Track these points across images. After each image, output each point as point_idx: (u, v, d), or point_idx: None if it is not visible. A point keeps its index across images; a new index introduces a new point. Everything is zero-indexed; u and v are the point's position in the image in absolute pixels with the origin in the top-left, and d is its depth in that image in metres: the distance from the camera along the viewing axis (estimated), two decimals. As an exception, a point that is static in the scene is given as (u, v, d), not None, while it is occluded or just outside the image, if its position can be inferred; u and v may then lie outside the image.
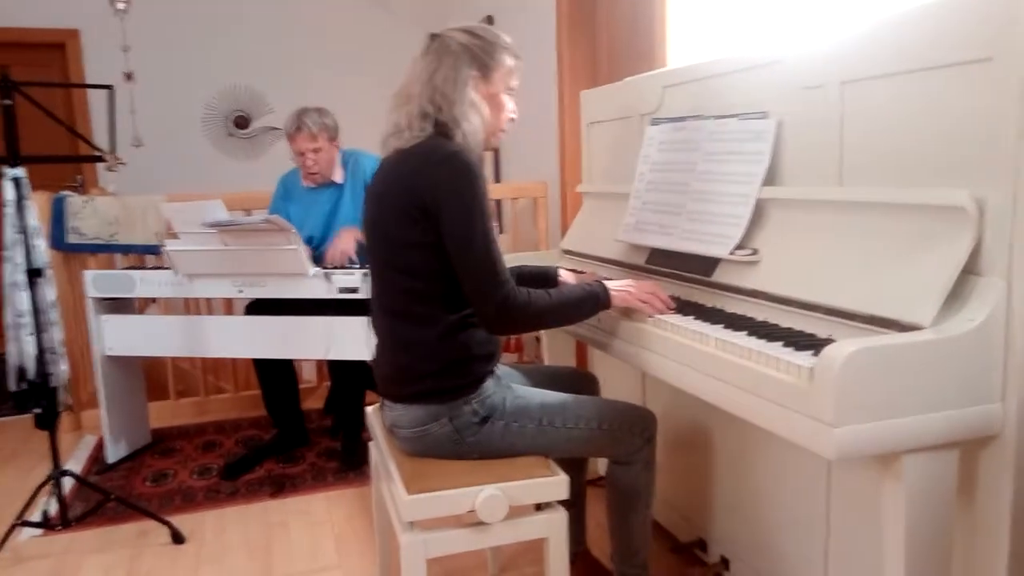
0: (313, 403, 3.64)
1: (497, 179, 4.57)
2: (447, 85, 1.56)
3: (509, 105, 1.68)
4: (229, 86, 5.41)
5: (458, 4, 4.79)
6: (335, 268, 2.73)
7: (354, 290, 2.65)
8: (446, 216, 1.49)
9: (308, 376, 3.92)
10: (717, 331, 1.47)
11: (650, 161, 2.01)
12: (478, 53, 1.60)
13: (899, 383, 1.14)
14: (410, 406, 1.59)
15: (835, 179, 1.51)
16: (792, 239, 1.57)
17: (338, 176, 3.04)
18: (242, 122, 5.48)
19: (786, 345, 1.33)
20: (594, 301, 1.62)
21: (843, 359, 1.11)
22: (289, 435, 3.07)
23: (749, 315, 1.57)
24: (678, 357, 1.52)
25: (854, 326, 1.34)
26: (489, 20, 4.29)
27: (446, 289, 1.55)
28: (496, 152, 4.55)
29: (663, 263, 1.88)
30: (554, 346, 2.45)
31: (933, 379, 1.16)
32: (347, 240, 2.84)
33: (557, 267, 1.93)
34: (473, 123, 1.57)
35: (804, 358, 1.25)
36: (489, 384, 1.60)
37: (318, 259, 2.96)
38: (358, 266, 2.75)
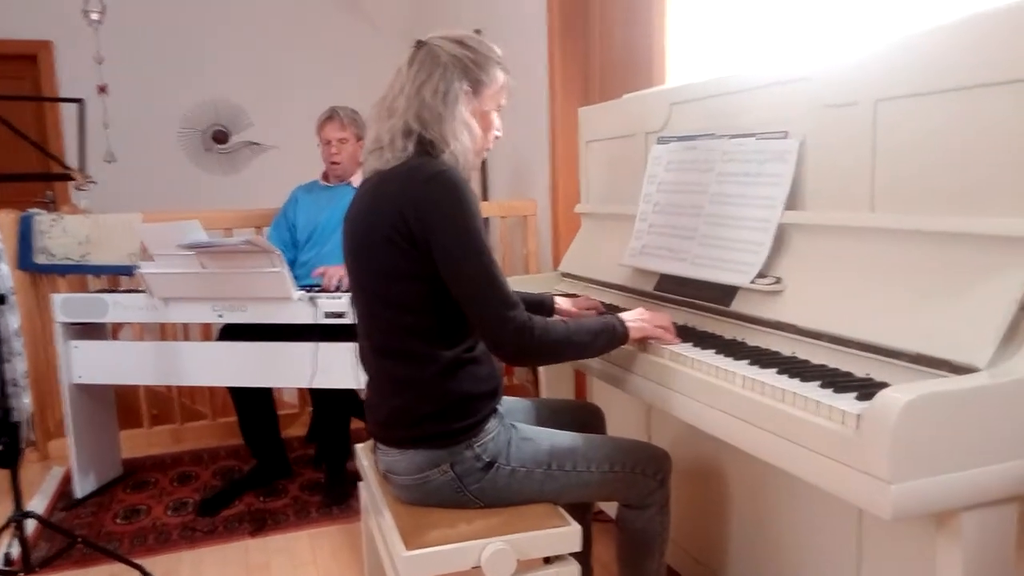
0: (296, 430, 3.48)
1: (485, 196, 4.45)
2: (436, 100, 1.43)
3: (496, 123, 1.56)
4: (207, 100, 5.25)
5: (445, 19, 4.69)
6: (322, 290, 2.60)
7: (341, 315, 2.51)
8: (437, 242, 1.36)
9: (289, 401, 3.76)
10: (743, 367, 1.36)
11: (657, 181, 1.90)
12: (470, 66, 1.47)
13: (961, 432, 1.03)
14: (407, 451, 1.45)
15: (866, 204, 1.40)
16: (818, 268, 1.46)
17: (356, 181, 3.00)
18: (221, 137, 5.32)
19: (824, 386, 1.22)
20: (611, 333, 1.50)
21: (901, 408, 0.99)
22: (269, 467, 2.91)
23: (774, 349, 1.46)
24: (699, 395, 1.40)
25: (894, 364, 1.24)
26: (478, 35, 4.18)
27: (442, 323, 1.42)
28: (483, 168, 4.43)
29: (674, 290, 1.77)
30: (552, 376, 2.33)
31: (997, 426, 1.05)
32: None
33: (552, 295, 1.81)
34: (463, 142, 1.44)
35: (848, 402, 1.14)
36: (492, 424, 1.47)
37: (307, 265, 2.87)
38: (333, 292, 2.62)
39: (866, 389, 1.17)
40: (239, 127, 5.34)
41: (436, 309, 1.42)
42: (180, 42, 5.17)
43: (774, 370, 1.33)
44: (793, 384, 1.25)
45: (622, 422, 2.26)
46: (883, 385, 1.20)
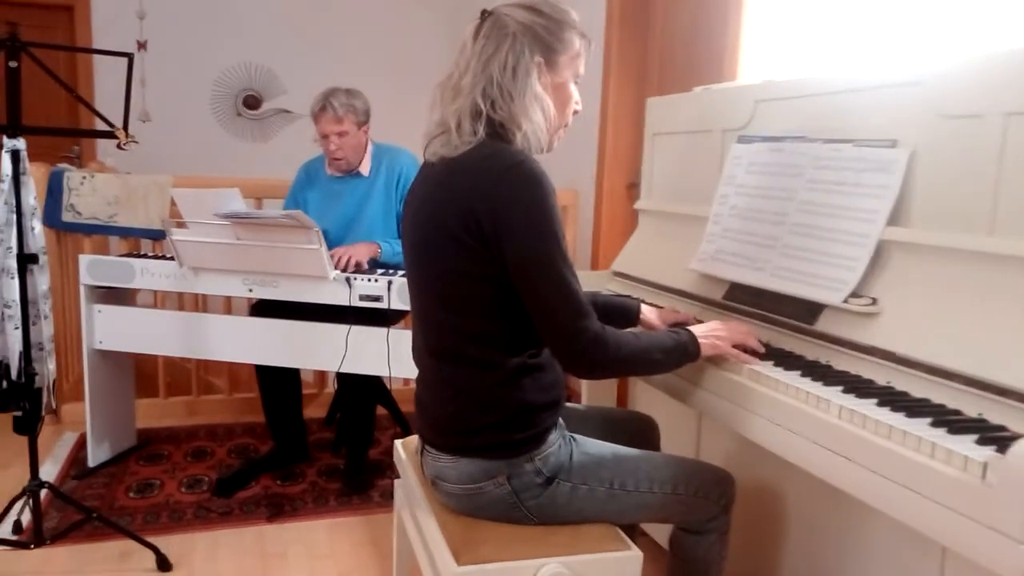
0: (313, 411, 3.38)
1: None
2: (506, 76, 1.29)
3: (574, 95, 1.42)
4: (241, 63, 5.13)
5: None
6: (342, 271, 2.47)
7: (377, 299, 2.40)
8: (511, 241, 1.24)
9: (305, 379, 3.65)
10: (836, 395, 1.24)
11: (736, 183, 1.77)
12: (542, 34, 1.32)
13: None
14: (461, 459, 1.34)
15: (985, 227, 1.28)
16: (921, 292, 1.34)
17: (365, 168, 2.77)
18: (252, 102, 5.21)
19: (935, 424, 1.11)
20: (682, 351, 1.38)
21: (1046, 462, 0.88)
22: (288, 449, 2.81)
23: (866, 376, 1.34)
24: (784, 421, 1.28)
25: (1005, 403, 1.13)
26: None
27: (507, 328, 1.31)
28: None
29: (746, 301, 1.65)
30: (594, 382, 2.21)
31: None
32: (362, 251, 2.58)
33: (638, 300, 1.68)
34: (536, 121, 1.31)
35: (968, 446, 1.02)
36: (554, 436, 1.36)
37: None
38: (368, 274, 2.47)
39: (985, 432, 1.06)
40: (271, 94, 5.22)
41: (503, 314, 1.30)
42: (218, 2, 5.04)
43: (873, 401, 1.21)
44: (900, 420, 1.13)
45: (668, 435, 2.14)
46: (1001, 428, 1.10)
